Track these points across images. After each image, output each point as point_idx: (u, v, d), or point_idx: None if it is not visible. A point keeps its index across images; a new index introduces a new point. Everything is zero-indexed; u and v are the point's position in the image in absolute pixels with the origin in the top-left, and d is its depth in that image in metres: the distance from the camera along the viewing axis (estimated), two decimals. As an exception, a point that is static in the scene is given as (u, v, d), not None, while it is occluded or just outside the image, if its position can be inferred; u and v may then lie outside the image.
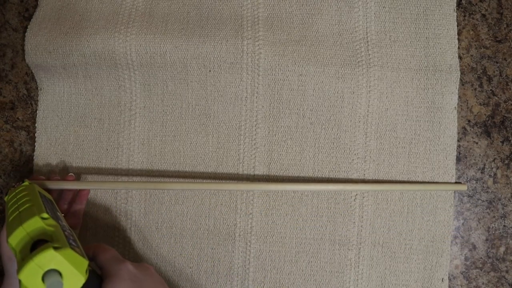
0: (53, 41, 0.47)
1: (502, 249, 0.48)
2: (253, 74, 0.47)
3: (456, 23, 0.48)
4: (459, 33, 0.49)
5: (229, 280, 0.47)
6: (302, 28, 0.48)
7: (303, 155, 0.48)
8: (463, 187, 0.47)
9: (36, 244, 0.29)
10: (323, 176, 0.47)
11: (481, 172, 0.48)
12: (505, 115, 0.49)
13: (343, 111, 0.47)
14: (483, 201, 0.48)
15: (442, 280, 0.47)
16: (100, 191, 0.48)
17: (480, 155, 0.48)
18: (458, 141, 0.48)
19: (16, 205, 0.35)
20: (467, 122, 0.49)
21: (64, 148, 0.49)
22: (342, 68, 0.47)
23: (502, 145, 0.49)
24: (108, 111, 0.49)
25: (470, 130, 0.49)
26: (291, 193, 0.48)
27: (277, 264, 0.47)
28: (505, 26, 0.49)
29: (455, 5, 0.48)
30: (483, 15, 0.49)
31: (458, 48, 0.48)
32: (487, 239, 0.48)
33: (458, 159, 0.48)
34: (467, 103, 0.49)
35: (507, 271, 0.48)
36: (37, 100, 0.49)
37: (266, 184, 0.45)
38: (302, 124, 0.48)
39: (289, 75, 0.47)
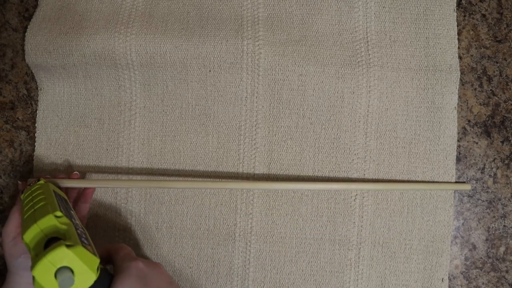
0: (53, 41, 0.47)
1: (502, 249, 0.48)
2: (253, 74, 0.47)
3: (456, 23, 0.48)
4: (459, 33, 0.49)
5: (229, 280, 0.47)
6: (302, 28, 0.48)
7: (303, 155, 0.48)
8: (466, 187, 0.47)
9: (50, 242, 0.30)
10: (323, 176, 0.47)
11: (481, 172, 0.48)
12: (505, 115, 0.49)
13: (343, 111, 0.47)
14: (483, 201, 0.48)
15: (442, 280, 0.47)
16: (100, 191, 0.48)
17: (480, 155, 0.48)
18: (458, 141, 0.48)
19: (32, 203, 0.35)
20: (467, 122, 0.49)
21: (64, 148, 0.49)
22: (342, 68, 0.47)
23: (502, 145, 0.49)
24: (108, 111, 0.49)
25: (470, 130, 0.49)
26: (291, 193, 0.48)
27: (277, 264, 0.47)
28: (505, 26, 0.49)
29: (455, 5, 0.48)
30: (483, 15, 0.49)
31: (458, 48, 0.48)
32: (487, 239, 0.48)
33: (458, 159, 0.48)
34: (467, 103, 0.49)
35: (507, 271, 0.48)
36: (37, 100, 0.49)
37: (266, 183, 0.45)
38: (302, 124, 0.48)
39: (289, 75, 0.47)
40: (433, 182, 0.47)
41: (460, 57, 0.49)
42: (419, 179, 0.47)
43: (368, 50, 0.48)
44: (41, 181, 0.39)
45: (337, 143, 0.48)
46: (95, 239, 0.47)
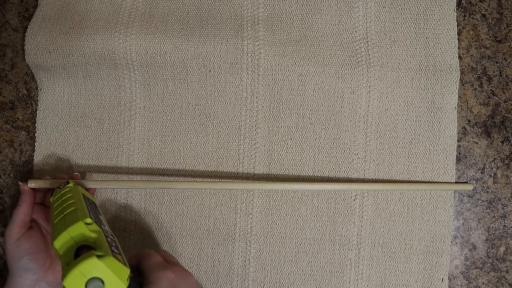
0: (53, 41, 0.47)
1: (502, 249, 0.48)
2: (253, 74, 0.47)
3: (456, 23, 0.48)
4: (459, 33, 0.49)
5: (229, 280, 0.47)
6: (302, 28, 0.48)
7: (303, 155, 0.48)
8: (468, 187, 0.47)
9: (80, 249, 0.30)
10: (323, 176, 0.47)
11: (481, 172, 0.48)
12: (505, 115, 0.49)
13: (343, 111, 0.47)
14: (483, 201, 0.48)
15: (442, 280, 0.47)
16: (100, 191, 0.48)
17: (480, 155, 0.48)
18: (458, 141, 0.48)
19: (61, 207, 0.35)
20: (467, 122, 0.49)
21: (64, 148, 0.49)
22: (342, 68, 0.47)
23: (502, 145, 0.49)
24: (108, 111, 0.49)
25: (470, 130, 0.49)
26: (291, 193, 0.48)
27: (277, 264, 0.47)
28: (505, 26, 0.49)
29: (455, 5, 0.48)
30: (483, 15, 0.49)
31: (458, 48, 0.48)
32: (487, 239, 0.48)
33: (458, 159, 0.48)
34: (467, 103, 0.49)
35: (507, 271, 0.48)
36: (37, 100, 0.49)
37: (266, 183, 0.45)
38: (302, 124, 0.48)
39: (289, 75, 0.47)
40: (435, 182, 0.47)
41: (460, 57, 0.49)
42: (419, 179, 0.47)
43: (368, 50, 0.48)
44: (71, 184, 0.39)
45: (337, 143, 0.48)
46: (95, 239, 0.48)
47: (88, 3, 0.49)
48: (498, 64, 0.49)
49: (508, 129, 0.49)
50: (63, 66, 0.47)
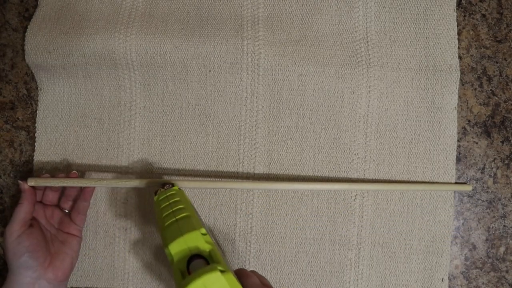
0: (53, 41, 0.47)
1: (502, 249, 0.48)
2: (253, 74, 0.47)
3: (456, 23, 0.48)
4: (459, 33, 0.49)
5: (229, 280, 0.47)
6: (302, 28, 0.48)
7: (303, 155, 0.48)
8: (467, 188, 0.47)
9: (192, 259, 0.31)
10: (323, 176, 0.47)
11: (481, 172, 0.48)
12: (505, 115, 0.49)
13: (343, 111, 0.47)
14: (483, 201, 0.48)
15: (442, 280, 0.47)
16: (100, 191, 0.48)
17: (480, 155, 0.48)
18: (458, 141, 0.48)
19: (171, 210, 0.35)
20: (467, 122, 0.49)
21: (64, 148, 0.49)
22: (342, 68, 0.47)
23: (502, 145, 0.49)
24: (108, 111, 0.49)
25: (470, 130, 0.49)
26: (291, 193, 0.48)
27: (277, 264, 0.47)
28: (505, 26, 0.49)
29: (455, 5, 0.48)
30: (483, 15, 0.49)
31: (458, 48, 0.48)
32: (487, 239, 0.48)
33: (458, 159, 0.48)
34: (467, 103, 0.49)
35: (507, 271, 0.48)
36: (37, 100, 0.49)
37: (266, 183, 0.45)
38: (302, 124, 0.48)
39: (289, 75, 0.47)
40: (434, 183, 0.47)
41: (460, 57, 0.49)
42: (419, 179, 0.47)
43: (368, 50, 0.48)
44: (176, 187, 0.39)
45: (337, 143, 0.48)
46: (95, 239, 0.48)
47: (88, 3, 0.49)
48: (498, 64, 0.49)
49: (508, 129, 0.49)
50: (63, 66, 0.47)
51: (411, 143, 0.48)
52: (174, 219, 0.34)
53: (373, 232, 0.47)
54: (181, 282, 0.29)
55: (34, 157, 0.49)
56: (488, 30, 0.49)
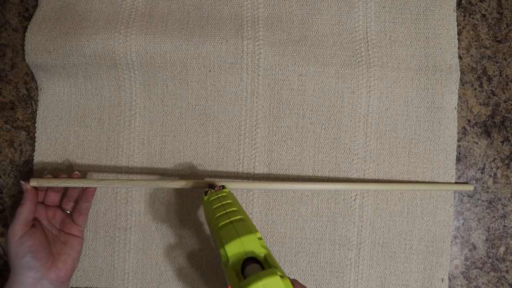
0: (53, 41, 0.47)
1: (502, 249, 0.48)
2: (253, 74, 0.47)
3: (456, 23, 0.48)
4: (459, 33, 0.49)
5: (229, 280, 0.47)
6: (302, 28, 0.48)
7: (303, 155, 0.48)
8: (469, 187, 0.47)
9: (245, 262, 0.31)
10: (323, 176, 0.47)
11: (481, 172, 0.48)
12: (505, 115, 0.49)
13: (343, 111, 0.47)
14: (483, 201, 0.48)
15: (442, 280, 0.47)
16: (100, 191, 0.48)
17: (480, 155, 0.48)
18: (458, 141, 0.48)
19: (224, 211, 0.35)
20: (467, 122, 0.49)
21: (64, 148, 0.49)
22: (342, 68, 0.47)
23: (502, 145, 0.49)
24: (108, 111, 0.49)
25: (470, 130, 0.49)
26: (291, 193, 0.48)
27: (277, 264, 0.47)
28: (505, 26, 0.49)
29: (455, 5, 0.48)
30: (483, 15, 0.49)
31: (458, 48, 0.48)
32: (487, 239, 0.48)
33: (458, 159, 0.48)
34: (467, 103, 0.49)
35: (507, 271, 0.48)
36: (37, 100, 0.49)
37: (266, 183, 0.45)
38: (302, 124, 0.48)
39: (289, 75, 0.47)
40: (436, 183, 0.47)
41: (460, 57, 0.49)
42: (419, 179, 0.47)
43: (368, 50, 0.48)
44: (227, 190, 0.39)
45: (337, 143, 0.48)
46: (95, 239, 0.48)
47: (88, 3, 0.49)
48: (498, 64, 0.49)
49: (508, 129, 0.49)
50: (63, 66, 0.47)
51: (411, 143, 0.48)
52: (228, 220, 0.34)
53: (373, 232, 0.47)
54: (239, 284, 0.29)
55: (34, 157, 0.49)
56: (488, 30, 0.49)
